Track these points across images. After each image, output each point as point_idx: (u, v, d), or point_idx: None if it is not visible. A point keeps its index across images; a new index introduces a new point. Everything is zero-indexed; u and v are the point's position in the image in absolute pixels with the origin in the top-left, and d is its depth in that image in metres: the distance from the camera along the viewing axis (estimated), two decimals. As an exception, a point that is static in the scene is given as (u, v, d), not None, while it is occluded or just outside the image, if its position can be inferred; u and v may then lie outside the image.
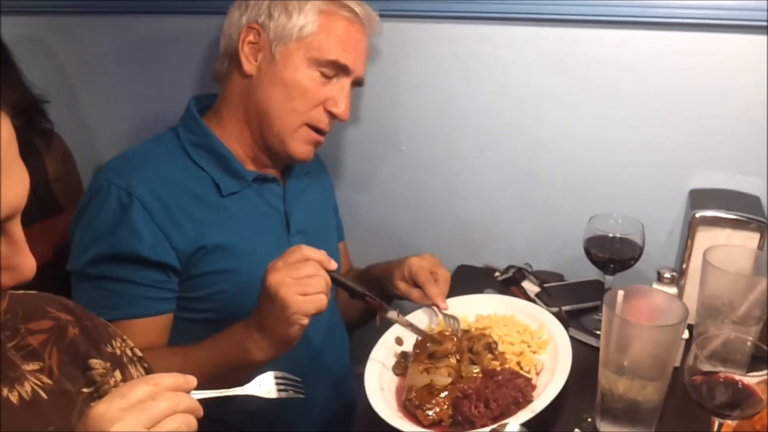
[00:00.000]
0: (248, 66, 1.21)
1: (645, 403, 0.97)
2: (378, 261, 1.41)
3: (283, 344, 1.02)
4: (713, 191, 1.32)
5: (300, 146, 1.24)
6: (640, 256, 1.21)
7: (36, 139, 1.52)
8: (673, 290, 1.12)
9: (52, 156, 1.56)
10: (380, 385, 1.10)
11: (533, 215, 1.52)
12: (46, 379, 0.73)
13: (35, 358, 0.74)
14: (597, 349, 1.02)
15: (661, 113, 1.34)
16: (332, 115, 1.24)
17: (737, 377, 0.84)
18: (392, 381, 1.14)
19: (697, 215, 1.22)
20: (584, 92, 1.38)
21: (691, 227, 1.23)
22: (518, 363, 1.12)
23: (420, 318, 1.24)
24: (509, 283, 1.42)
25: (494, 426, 0.93)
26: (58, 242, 1.43)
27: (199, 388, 0.69)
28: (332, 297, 1.31)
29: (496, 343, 1.15)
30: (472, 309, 1.27)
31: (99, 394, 0.79)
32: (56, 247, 1.43)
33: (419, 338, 1.17)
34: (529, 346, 1.16)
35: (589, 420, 1.05)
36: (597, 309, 1.31)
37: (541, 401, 1.01)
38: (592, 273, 1.35)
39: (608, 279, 1.24)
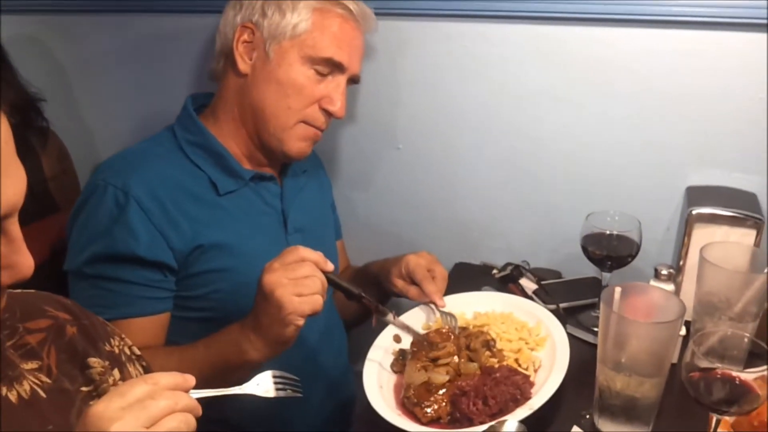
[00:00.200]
0: (243, 65, 1.21)
1: (643, 399, 0.97)
2: (375, 259, 1.41)
3: (278, 344, 1.02)
4: (710, 188, 1.33)
5: (296, 144, 1.24)
6: (637, 253, 1.21)
7: (32, 138, 1.52)
8: (670, 287, 1.13)
9: (48, 155, 1.55)
10: (379, 382, 1.10)
11: (531, 213, 1.53)
12: (44, 378, 0.73)
13: (34, 357, 0.74)
14: (594, 346, 1.02)
15: (659, 111, 1.34)
16: (328, 113, 1.24)
17: (734, 373, 0.84)
18: (390, 379, 1.14)
19: (694, 212, 1.23)
20: (581, 90, 1.38)
21: (688, 224, 1.23)
22: (516, 360, 1.13)
23: (417, 316, 1.25)
24: (507, 281, 1.43)
25: (492, 423, 0.93)
26: (55, 241, 1.43)
27: (196, 388, 0.69)
28: (329, 296, 1.32)
29: (494, 340, 1.15)
30: (470, 306, 1.27)
31: (98, 392, 0.79)
32: (53, 246, 1.43)
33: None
34: (526, 344, 1.16)
35: (587, 417, 1.05)
36: (594, 306, 1.31)
37: (539, 398, 1.01)
38: (589, 270, 1.35)
39: (605, 276, 1.24)
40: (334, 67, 1.21)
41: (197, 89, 1.49)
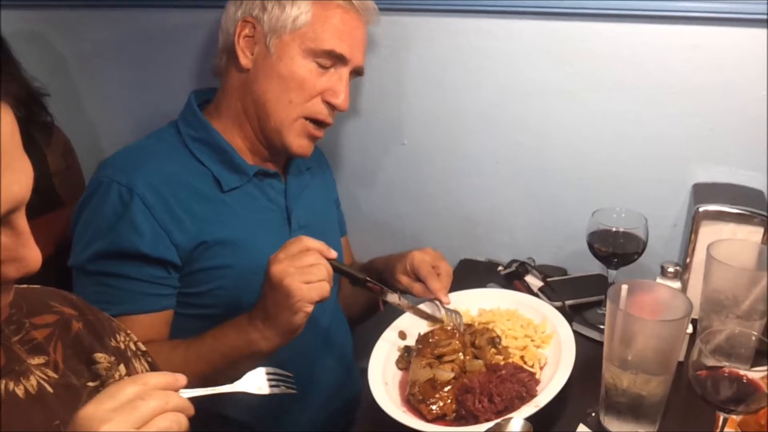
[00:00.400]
0: (244, 60, 1.20)
1: (649, 397, 0.96)
2: (380, 254, 1.41)
3: (288, 332, 1.03)
4: (716, 185, 1.32)
5: (297, 139, 1.23)
6: (643, 250, 1.21)
7: (36, 133, 1.51)
8: (677, 285, 1.12)
9: (53, 150, 1.55)
10: (384, 379, 1.10)
11: (536, 209, 1.52)
12: (51, 373, 0.73)
13: (40, 352, 0.74)
14: (600, 343, 1.02)
15: (664, 107, 1.34)
16: (332, 106, 1.23)
17: (742, 372, 0.84)
18: (396, 375, 1.14)
19: (701, 209, 1.22)
20: (587, 86, 1.37)
21: (694, 221, 1.23)
22: (522, 357, 1.12)
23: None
24: (512, 278, 1.43)
25: (498, 420, 0.92)
26: (60, 236, 1.43)
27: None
28: (334, 291, 1.32)
29: (499, 337, 1.15)
30: (475, 303, 1.27)
31: (104, 388, 0.78)
32: (57, 241, 1.43)
33: (422, 333, 1.17)
34: (532, 341, 1.16)
35: (593, 415, 1.05)
36: (600, 303, 1.31)
37: (544, 396, 1.01)
38: (595, 267, 1.35)
39: (611, 273, 1.24)
40: (336, 59, 1.21)
41: (201, 84, 1.48)
